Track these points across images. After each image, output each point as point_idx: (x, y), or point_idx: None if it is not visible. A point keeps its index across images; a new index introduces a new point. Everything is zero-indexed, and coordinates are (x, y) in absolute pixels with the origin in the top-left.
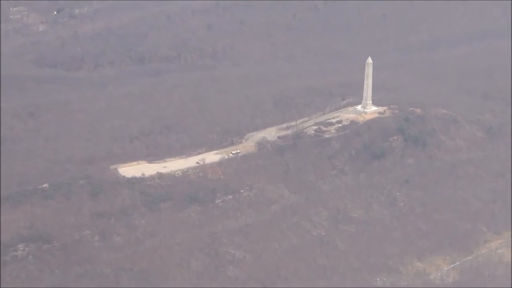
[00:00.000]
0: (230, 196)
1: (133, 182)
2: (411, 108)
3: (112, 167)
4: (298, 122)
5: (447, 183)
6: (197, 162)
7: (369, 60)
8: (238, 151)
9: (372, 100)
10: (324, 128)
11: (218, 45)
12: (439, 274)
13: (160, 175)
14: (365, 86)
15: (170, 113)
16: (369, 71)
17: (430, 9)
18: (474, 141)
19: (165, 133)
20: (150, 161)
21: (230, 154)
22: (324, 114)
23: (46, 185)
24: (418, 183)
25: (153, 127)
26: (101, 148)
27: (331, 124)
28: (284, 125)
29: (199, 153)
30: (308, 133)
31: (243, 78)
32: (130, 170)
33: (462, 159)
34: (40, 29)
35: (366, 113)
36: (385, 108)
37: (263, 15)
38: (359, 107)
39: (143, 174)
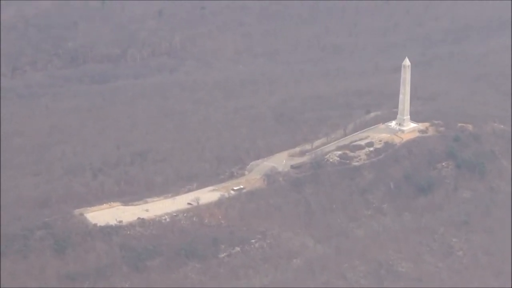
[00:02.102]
0: (238, 248)
1: (108, 232)
2: (460, 124)
3: (77, 211)
4: (314, 145)
5: None
6: (189, 203)
7: (407, 61)
8: (242, 186)
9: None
10: (351, 154)
11: (175, 38)
12: None
13: (142, 222)
14: (401, 96)
15: (138, 134)
16: (406, 76)
17: None
18: None
19: (138, 163)
20: (125, 203)
21: (231, 191)
22: (346, 134)
23: None
24: (479, 224)
25: (120, 155)
26: (57, 186)
27: (360, 147)
28: (297, 150)
29: (190, 190)
30: (331, 160)
31: (222, 83)
32: (101, 215)
33: None
34: None
35: (403, 131)
36: (426, 124)
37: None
38: (393, 124)
39: (120, 221)
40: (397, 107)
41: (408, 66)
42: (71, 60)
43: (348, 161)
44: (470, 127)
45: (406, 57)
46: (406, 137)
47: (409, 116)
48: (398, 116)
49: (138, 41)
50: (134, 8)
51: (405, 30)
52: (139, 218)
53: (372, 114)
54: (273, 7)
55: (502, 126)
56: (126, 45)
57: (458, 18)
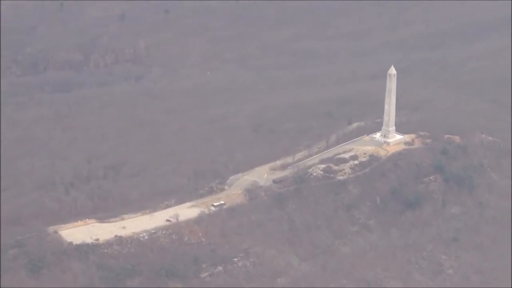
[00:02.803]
0: (220, 268)
1: (84, 250)
2: (447, 136)
3: (51, 229)
4: (296, 157)
5: (508, 240)
6: (168, 220)
7: (392, 70)
8: (222, 202)
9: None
10: (335, 167)
11: (139, 44)
12: None
13: (119, 240)
14: (386, 106)
15: (109, 146)
16: (392, 85)
17: None
18: None
19: (111, 176)
20: (101, 220)
21: (212, 207)
22: (329, 146)
23: None
24: (469, 241)
25: (91, 168)
26: (27, 201)
27: (344, 160)
28: (278, 163)
29: (168, 206)
30: (315, 174)
31: (192, 91)
32: (77, 233)
33: None
34: None
35: (388, 144)
36: (412, 136)
37: (193, 0)
38: (378, 136)
39: (96, 239)
40: (380, 117)
41: (394, 75)
42: (31, 67)
43: (332, 175)
44: (457, 138)
45: (392, 66)
46: (392, 149)
47: (394, 128)
48: (383, 127)
49: (101, 47)
50: (94, 11)
51: (378, 34)
52: (116, 235)
53: (355, 125)
54: (240, 10)
55: (490, 137)
56: (88, 51)
57: (433, 22)
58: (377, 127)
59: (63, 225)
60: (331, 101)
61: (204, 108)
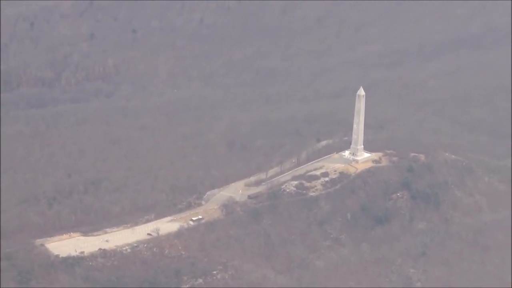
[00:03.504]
0: (200, 280)
1: (71, 263)
2: (412, 154)
3: (38, 242)
4: (269, 174)
5: (473, 255)
6: (149, 234)
7: (361, 91)
8: (200, 217)
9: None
10: (307, 184)
11: (108, 62)
12: None
13: (103, 253)
14: (354, 126)
15: (87, 162)
16: (361, 106)
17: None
18: (496, 196)
19: (92, 191)
20: (85, 233)
21: (190, 222)
22: (300, 163)
23: None
24: (435, 256)
25: (72, 183)
26: (12, 215)
27: (316, 177)
28: (252, 179)
29: (148, 221)
30: (288, 190)
31: (163, 108)
32: (62, 246)
33: (485, 222)
34: None
35: (357, 161)
36: (379, 154)
37: (159, 20)
38: (346, 154)
39: (81, 252)
40: (346, 135)
41: (363, 95)
42: (4, 83)
43: (304, 191)
44: (422, 157)
45: (361, 87)
46: (361, 167)
47: (362, 146)
48: (352, 145)
49: (71, 65)
50: (64, 29)
51: (338, 53)
52: (100, 249)
53: (323, 143)
54: (203, 30)
55: (453, 156)
56: (59, 68)
57: (389, 42)
58: (345, 145)
59: (49, 238)
60: (298, 119)
61: (176, 125)
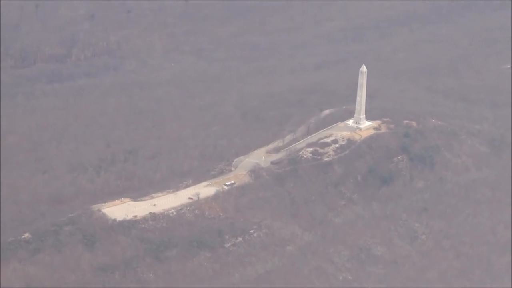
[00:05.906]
0: (240, 238)
1: (127, 226)
2: (405, 121)
3: (94, 207)
4: (284, 142)
5: (466, 209)
6: (190, 198)
7: (363, 68)
8: (233, 181)
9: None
10: (321, 150)
11: (111, 38)
12: None
13: (153, 216)
14: (358, 98)
15: (121, 132)
16: (363, 80)
17: None
18: (479, 157)
19: (132, 160)
20: (134, 199)
21: (224, 186)
22: (309, 132)
23: (27, 234)
24: (435, 211)
25: (112, 152)
26: (65, 183)
27: (327, 144)
28: (271, 147)
29: (187, 186)
30: (305, 156)
31: (173, 82)
32: (116, 210)
33: (473, 180)
34: None
35: (361, 129)
36: (378, 122)
37: (149, 1)
38: (351, 122)
39: (135, 216)
40: (345, 104)
41: (365, 72)
42: (21, 60)
43: (319, 157)
44: (414, 123)
45: (363, 64)
46: (364, 134)
47: (364, 115)
48: (355, 115)
49: (78, 42)
50: (65, 10)
51: (307, 29)
52: (150, 212)
53: (326, 112)
54: (190, 8)
55: (439, 122)
56: (68, 45)
57: (350, 18)
58: (345, 114)
59: (103, 204)
60: (297, 90)
61: (190, 98)
